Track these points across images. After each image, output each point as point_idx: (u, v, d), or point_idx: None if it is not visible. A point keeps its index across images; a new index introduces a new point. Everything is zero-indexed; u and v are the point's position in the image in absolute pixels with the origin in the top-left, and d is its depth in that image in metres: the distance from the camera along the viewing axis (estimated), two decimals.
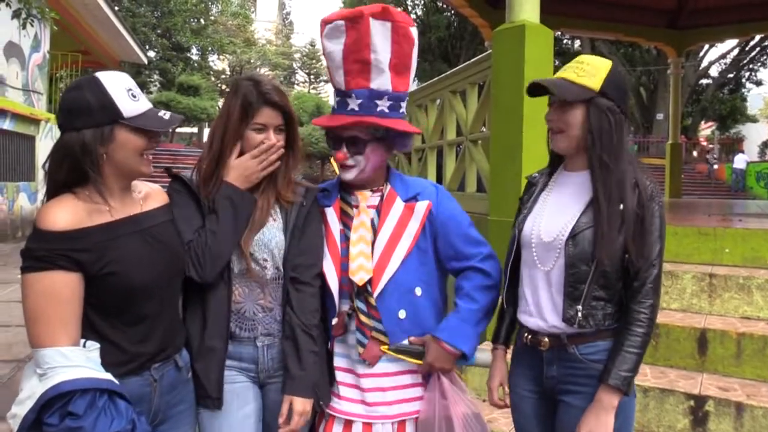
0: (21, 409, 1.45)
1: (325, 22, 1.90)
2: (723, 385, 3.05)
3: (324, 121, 1.95)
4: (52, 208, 1.56)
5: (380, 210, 1.97)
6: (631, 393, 1.76)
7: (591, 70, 1.77)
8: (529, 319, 1.88)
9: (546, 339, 1.82)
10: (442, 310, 2.03)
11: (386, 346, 1.91)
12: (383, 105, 1.90)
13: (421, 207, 1.96)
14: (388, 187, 2.00)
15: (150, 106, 1.68)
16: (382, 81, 1.88)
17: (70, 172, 1.59)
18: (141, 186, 1.82)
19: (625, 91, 1.81)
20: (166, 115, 1.70)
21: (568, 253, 1.76)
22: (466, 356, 1.93)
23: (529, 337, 1.88)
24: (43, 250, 1.51)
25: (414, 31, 1.92)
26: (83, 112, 1.57)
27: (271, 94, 1.87)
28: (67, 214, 1.55)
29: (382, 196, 1.99)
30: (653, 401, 3.00)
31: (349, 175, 1.94)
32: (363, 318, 1.90)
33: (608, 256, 1.69)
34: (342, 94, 1.92)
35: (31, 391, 1.46)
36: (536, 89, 1.87)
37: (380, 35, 1.84)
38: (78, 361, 1.48)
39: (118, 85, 1.62)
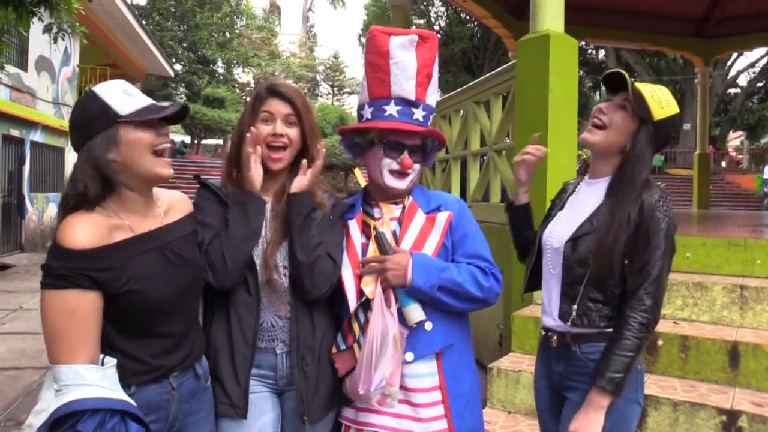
0: (36, 420, 1.45)
1: (389, 33, 1.96)
2: (757, 400, 2.97)
3: (398, 125, 1.93)
4: (73, 225, 1.54)
5: (401, 221, 1.97)
6: (623, 396, 1.80)
7: (663, 100, 1.85)
8: (544, 317, 2.00)
9: (555, 336, 1.94)
10: (456, 330, 1.98)
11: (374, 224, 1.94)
12: (429, 120, 2.03)
13: (442, 217, 1.96)
14: (410, 199, 2.01)
15: (148, 102, 1.64)
16: (434, 98, 2.03)
17: (91, 186, 1.57)
18: (164, 197, 1.80)
19: (668, 138, 1.93)
20: (163, 104, 1.68)
21: (566, 255, 1.89)
22: (412, 286, 1.83)
23: (543, 333, 2.01)
24: (63, 269, 1.49)
25: None
26: (86, 123, 1.59)
27: (277, 87, 1.92)
28: (88, 232, 1.53)
29: (403, 208, 2.00)
30: (683, 415, 2.94)
31: (403, 184, 1.97)
32: (354, 327, 1.89)
33: (601, 263, 1.79)
34: (408, 103, 1.96)
35: (46, 404, 1.46)
36: (614, 82, 1.93)
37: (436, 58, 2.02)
38: (93, 381, 1.46)
39: (111, 88, 1.62)
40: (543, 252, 2.01)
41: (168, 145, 1.66)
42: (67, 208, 1.58)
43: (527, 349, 3.65)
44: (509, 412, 3.38)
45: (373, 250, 1.93)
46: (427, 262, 1.88)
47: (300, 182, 1.89)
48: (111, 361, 1.54)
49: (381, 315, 1.81)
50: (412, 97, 1.95)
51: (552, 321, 1.94)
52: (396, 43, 1.93)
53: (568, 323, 1.86)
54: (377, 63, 1.96)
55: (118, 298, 1.55)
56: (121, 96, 1.61)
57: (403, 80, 1.94)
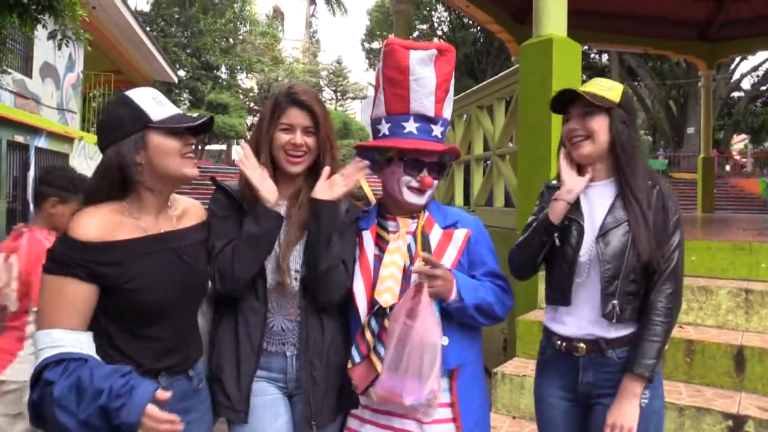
0: (27, 395, 1.53)
1: (408, 47, 1.91)
2: (763, 404, 2.95)
3: (420, 145, 1.90)
4: (84, 216, 1.61)
5: (417, 236, 1.95)
6: (660, 396, 1.87)
7: (609, 86, 1.94)
8: (561, 327, 1.93)
9: (582, 345, 1.88)
10: (468, 348, 1.97)
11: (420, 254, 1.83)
12: (445, 134, 2.01)
13: (460, 235, 1.95)
14: (426, 213, 2.00)
15: (177, 111, 1.72)
16: (449, 111, 2.01)
17: (110, 187, 1.65)
18: (179, 202, 1.84)
19: (635, 112, 1.98)
20: (191, 114, 1.74)
21: (600, 251, 1.86)
22: (460, 302, 1.83)
23: (563, 344, 1.92)
24: (64, 256, 1.55)
25: None
26: (117, 126, 1.65)
27: (298, 95, 1.90)
28: (97, 225, 1.59)
29: (419, 223, 1.98)
30: (689, 420, 2.92)
31: (422, 200, 1.95)
32: (368, 336, 1.86)
33: (646, 250, 1.80)
34: (427, 120, 1.93)
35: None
36: (561, 100, 1.98)
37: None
38: (63, 343, 1.51)
39: (144, 95, 1.68)
40: (575, 263, 1.91)
41: (191, 153, 1.73)
42: (86, 201, 1.66)
43: (532, 354, 3.63)
44: (514, 417, 3.37)
45: (387, 261, 1.90)
46: (467, 280, 1.89)
47: (336, 190, 1.86)
48: (88, 334, 1.59)
49: (433, 323, 1.77)
50: (431, 113, 1.92)
51: (578, 330, 1.89)
52: (416, 59, 1.90)
53: (614, 320, 1.84)
54: (396, 78, 1.92)
55: (117, 294, 1.59)
56: (153, 103, 1.67)
57: (423, 97, 1.91)
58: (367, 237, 1.99)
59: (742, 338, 3.32)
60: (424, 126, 1.93)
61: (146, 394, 1.42)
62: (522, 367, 3.50)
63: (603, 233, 1.87)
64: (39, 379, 1.48)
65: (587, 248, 1.89)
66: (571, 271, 1.91)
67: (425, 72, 1.90)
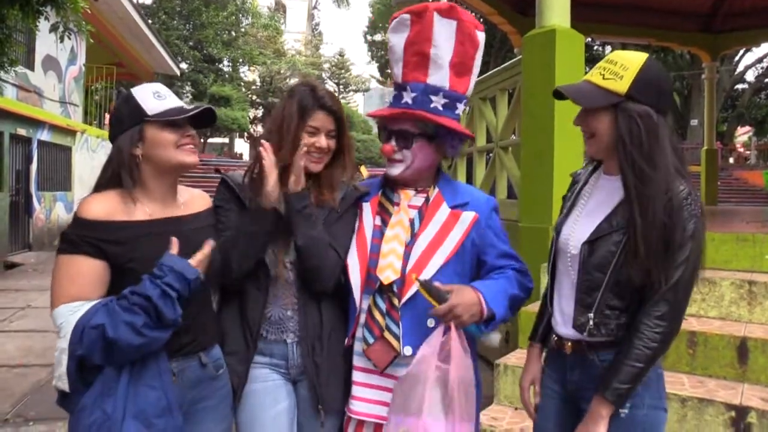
0: (60, 369, 1.57)
1: (392, 18, 1.94)
2: (766, 396, 2.94)
3: (376, 112, 1.97)
4: (92, 199, 1.70)
5: (423, 212, 1.92)
6: (645, 405, 1.69)
7: (619, 71, 1.66)
8: (554, 323, 1.87)
9: (569, 343, 1.79)
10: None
11: (416, 281, 1.76)
12: (438, 102, 1.88)
13: (468, 217, 1.90)
14: (436, 190, 1.96)
15: (179, 104, 1.78)
16: (440, 77, 1.88)
17: (115, 177, 1.73)
18: (185, 192, 1.90)
19: (660, 89, 1.68)
20: (189, 106, 1.80)
21: (583, 258, 1.72)
22: (493, 318, 1.78)
23: (555, 339, 1.86)
24: (74, 235, 1.65)
25: (480, 35, 1.91)
26: (117, 122, 1.77)
27: (325, 99, 1.93)
28: (104, 206, 1.68)
29: (427, 199, 1.95)
30: (691, 411, 2.92)
31: (395, 171, 1.93)
32: (377, 316, 1.86)
33: (637, 271, 1.62)
34: (398, 87, 1.93)
35: (58, 351, 1.59)
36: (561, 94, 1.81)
37: (444, 32, 1.85)
38: (84, 307, 1.59)
39: (145, 90, 1.78)
40: (560, 255, 1.83)
41: (191, 144, 1.79)
42: (94, 190, 1.74)
43: None
44: (516, 408, 3.37)
45: (390, 235, 1.90)
46: (494, 289, 1.81)
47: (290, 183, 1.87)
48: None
49: (468, 362, 1.74)
50: (399, 80, 1.93)
51: (565, 329, 1.79)
52: (391, 28, 1.92)
53: (585, 334, 1.71)
54: (388, 48, 1.98)
55: (122, 274, 1.66)
56: (152, 97, 1.76)
57: (394, 64, 1.93)
58: (367, 208, 1.98)
59: (745, 329, 3.31)
60: (397, 93, 1.93)
61: (170, 256, 1.62)
62: (524, 359, 3.48)
63: (592, 239, 1.70)
64: (82, 335, 1.54)
65: (575, 247, 1.75)
66: (556, 265, 1.86)
67: (394, 39, 1.91)
